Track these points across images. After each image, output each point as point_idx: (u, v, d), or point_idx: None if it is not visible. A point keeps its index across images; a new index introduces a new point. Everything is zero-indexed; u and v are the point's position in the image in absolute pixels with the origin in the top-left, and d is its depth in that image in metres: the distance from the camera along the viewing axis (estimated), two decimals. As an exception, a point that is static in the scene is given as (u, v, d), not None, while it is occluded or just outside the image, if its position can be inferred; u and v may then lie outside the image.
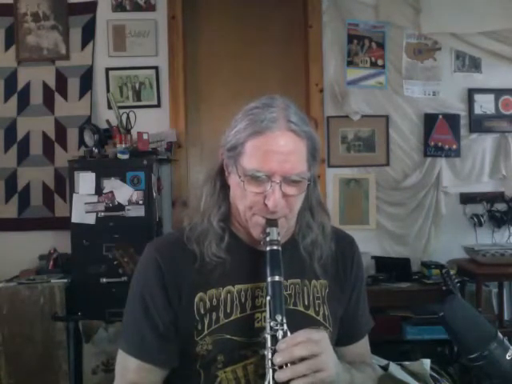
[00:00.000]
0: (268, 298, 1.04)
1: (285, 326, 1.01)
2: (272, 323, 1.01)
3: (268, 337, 1.01)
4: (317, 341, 1.00)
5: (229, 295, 1.15)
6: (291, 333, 1.01)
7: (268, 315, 1.03)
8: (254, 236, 1.14)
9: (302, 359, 0.97)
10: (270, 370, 0.98)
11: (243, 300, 1.16)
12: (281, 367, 0.98)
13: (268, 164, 1.07)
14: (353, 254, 1.29)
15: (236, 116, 1.15)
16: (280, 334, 1.00)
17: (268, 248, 1.08)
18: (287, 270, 1.11)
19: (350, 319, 1.27)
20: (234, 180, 1.14)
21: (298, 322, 1.10)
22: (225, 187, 1.19)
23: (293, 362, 0.97)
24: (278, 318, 1.01)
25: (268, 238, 1.09)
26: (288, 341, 0.98)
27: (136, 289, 1.19)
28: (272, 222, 1.10)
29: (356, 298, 1.28)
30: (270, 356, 0.99)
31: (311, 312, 1.19)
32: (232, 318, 1.14)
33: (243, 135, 1.10)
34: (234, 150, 1.12)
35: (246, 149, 1.10)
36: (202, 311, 1.14)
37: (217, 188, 1.20)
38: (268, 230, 1.10)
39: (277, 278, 1.05)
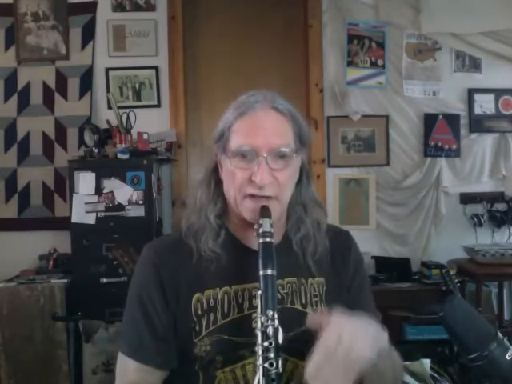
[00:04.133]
0: (259, 292, 1.02)
1: (276, 322, 0.99)
2: (263, 319, 0.99)
3: (259, 333, 0.99)
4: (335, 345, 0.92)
5: (226, 296, 1.16)
6: (283, 329, 0.99)
7: (259, 310, 1.01)
8: (249, 220, 1.13)
9: None
10: (261, 368, 0.97)
11: (240, 300, 1.16)
12: (272, 365, 0.96)
13: (253, 138, 1.10)
14: (350, 247, 1.29)
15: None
16: (271, 330, 0.98)
17: (260, 240, 1.07)
18: (283, 268, 1.10)
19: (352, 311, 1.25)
20: (225, 171, 1.16)
21: (295, 320, 1.10)
22: (220, 185, 1.20)
23: None
24: (269, 313, 0.99)
25: (260, 230, 1.08)
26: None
27: (134, 291, 1.19)
28: (265, 213, 1.09)
29: (356, 289, 1.26)
30: (260, 353, 0.97)
31: (309, 310, 1.19)
32: (229, 318, 1.14)
33: (229, 119, 1.15)
34: (221, 138, 1.15)
35: (232, 131, 1.13)
36: (200, 312, 1.14)
37: (212, 186, 1.21)
38: (261, 221, 1.08)
39: (269, 272, 1.03)
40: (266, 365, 0.96)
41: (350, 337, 0.92)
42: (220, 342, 1.13)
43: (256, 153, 1.10)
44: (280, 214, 1.17)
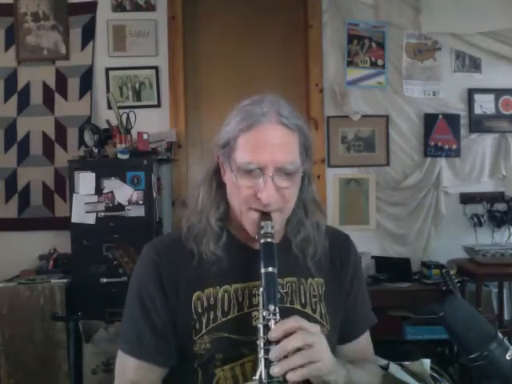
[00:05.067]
0: (261, 289, 1.04)
1: (277, 316, 1.01)
2: (264, 313, 1.01)
3: (261, 326, 1.01)
4: (309, 329, 1.00)
5: (226, 294, 1.16)
6: None
7: (261, 305, 1.03)
8: (250, 233, 1.14)
9: (297, 350, 0.97)
10: (263, 360, 0.98)
11: (240, 299, 1.16)
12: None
13: (260, 156, 1.09)
14: (349, 251, 1.29)
15: (229, 114, 1.17)
16: (272, 323, 1.00)
17: (262, 241, 1.08)
18: (283, 268, 1.11)
19: (349, 316, 1.27)
20: (228, 177, 1.15)
21: None
22: (221, 187, 1.20)
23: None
24: (271, 307, 1.01)
25: (262, 231, 1.09)
26: (278, 328, 0.98)
27: (134, 289, 1.19)
28: (266, 217, 1.11)
29: (354, 294, 1.28)
30: (262, 345, 0.99)
31: (308, 310, 1.20)
32: (229, 316, 1.15)
33: (235, 130, 1.12)
34: (226, 146, 1.14)
35: (238, 143, 1.11)
36: (200, 310, 1.15)
37: (213, 188, 1.20)
38: (262, 223, 1.10)
39: (270, 269, 1.05)
40: (268, 357, 0.98)
41: (318, 339, 1.01)
42: (220, 339, 1.13)
43: (262, 170, 1.09)
44: (282, 223, 1.18)
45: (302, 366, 0.97)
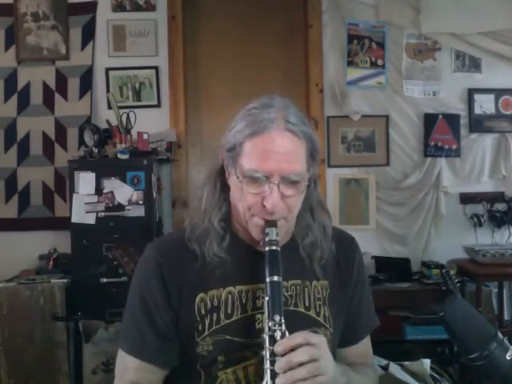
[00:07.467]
0: (266, 298, 1.04)
1: (283, 327, 1.01)
2: (270, 323, 1.01)
3: (266, 337, 1.00)
4: (316, 344, 1.00)
5: (230, 296, 1.15)
6: (290, 334, 1.01)
7: (266, 315, 1.03)
8: (254, 237, 1.14)
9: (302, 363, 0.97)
10: (268, 371, 0.98)
11: (244, 301, 1.16)
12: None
13: (266, 164, 1.07)
14: (354, 253, 1.29)
15: (236, 116, 1.15)
16: (278, 334, 1.00)
17: (267, 248, 1.08)
18: (288, 271, 1.11)
19: (353, 319, 1.26)
20: (233, 181, 1.14)
21: (298, 322, 1.10)
22: (225, 187, 1.19)
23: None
24: (277, 318, 1.01)
25: (267, 239, 1.09)
26: (285, 343, 0.98)
27: (136, 289, 1.19)
28: (271, 223, 1.10)
29: (358, 297, 1.27)
30: (267, 356, 0.99)
31: (312, 313, 1.19)
32: (233, 318, 1.14)
33: (242, 135, 1.10)
34: (232, 151, 1.12)
35: (245, 149, 1.09)
36: (203, 312, 1.14)
37: (217, 188, 1.19)
38: (267, 230, 1.09)
39: (275, 279, 1.04)
40: (274, 368, 0.97)
41: (323, 353, 1.01)
42: (222, 341, 1.13)
43: (268, 178, 1.08)
44: (286, 230, 1.17)
45: (305, 379, 0.97)
